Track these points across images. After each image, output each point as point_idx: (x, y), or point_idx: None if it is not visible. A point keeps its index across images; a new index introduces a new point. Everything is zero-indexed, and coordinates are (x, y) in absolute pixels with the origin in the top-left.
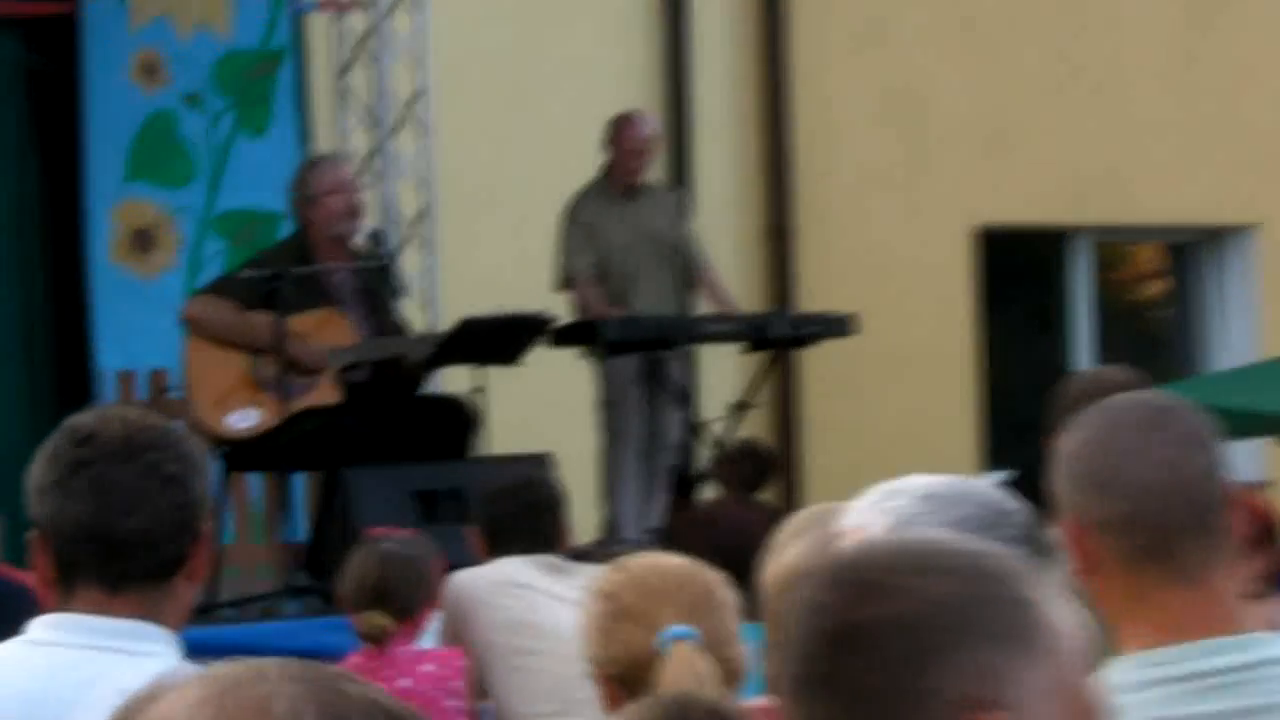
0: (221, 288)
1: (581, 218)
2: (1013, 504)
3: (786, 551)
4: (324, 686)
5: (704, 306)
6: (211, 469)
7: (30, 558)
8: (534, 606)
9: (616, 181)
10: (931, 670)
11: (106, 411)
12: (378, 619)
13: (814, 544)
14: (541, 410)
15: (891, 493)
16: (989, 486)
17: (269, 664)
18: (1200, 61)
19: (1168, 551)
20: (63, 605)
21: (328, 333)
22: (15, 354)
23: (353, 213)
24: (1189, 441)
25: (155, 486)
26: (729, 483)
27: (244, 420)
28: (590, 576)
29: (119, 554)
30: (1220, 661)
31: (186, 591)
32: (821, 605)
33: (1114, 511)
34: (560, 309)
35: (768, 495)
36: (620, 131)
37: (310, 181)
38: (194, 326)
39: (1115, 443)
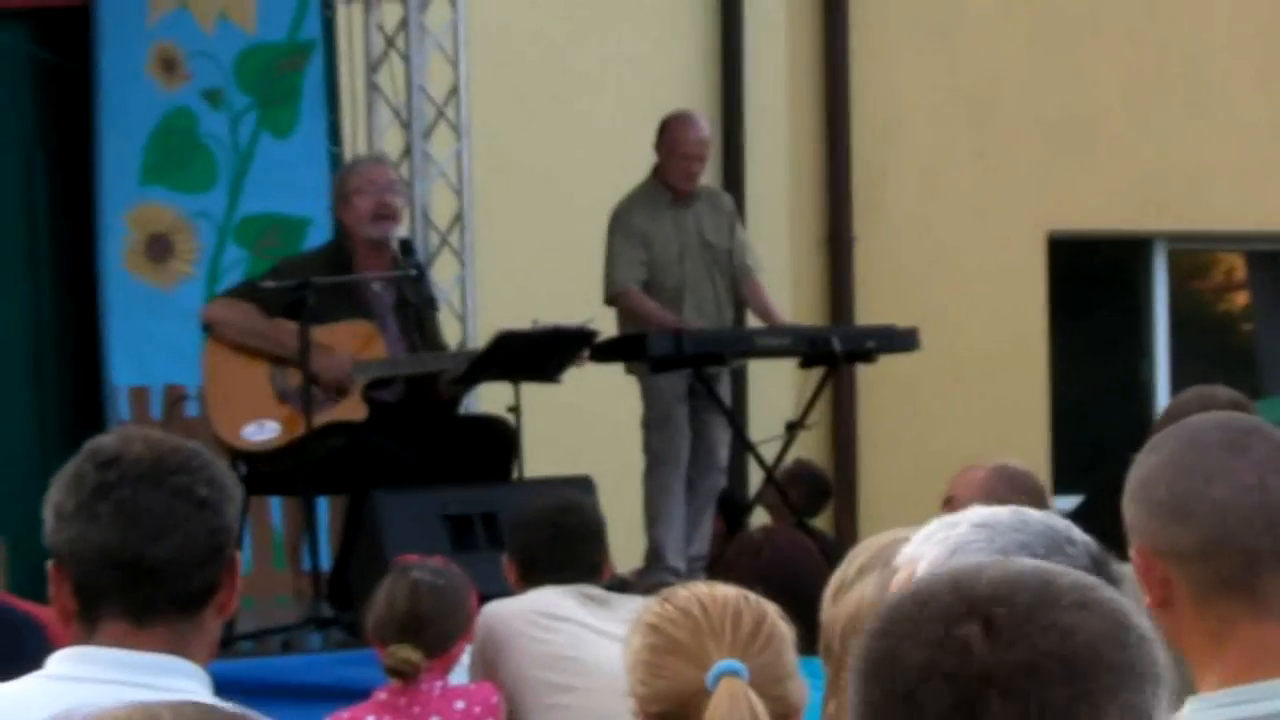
0: (246, 292)
1: (633, 225)
2: (1076, 533)
3: (854, 587)
4: None
5: (751, 319)
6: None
7: (49, 590)
8: (572, 640)
9: (668, 186)
10: (1104, 711)
11: (129, 432)
12: (407, 653)
13: (886, 579)
14: (581, 431)
15: (949, 523)
16: (1051, 515)
17: (162, 708)
18: None
19: (1250, 582)
20: (84, 639)
21: (360, 346)
22: (23, 367)
23: (383, 215)
24: (1273, 465)
25: (186, 510)
26: (781, 508)
27: (261, 432)
28: (631, 608)
29: (147, 582)
30: None
31: (214, 625)
32: (962, 644)
33: (1192, 539)
34: (604, 321)
35: (822, 520)
36: (673, 133)
37: (345, 180)
38: (215, 330)
39: (1194, 465)
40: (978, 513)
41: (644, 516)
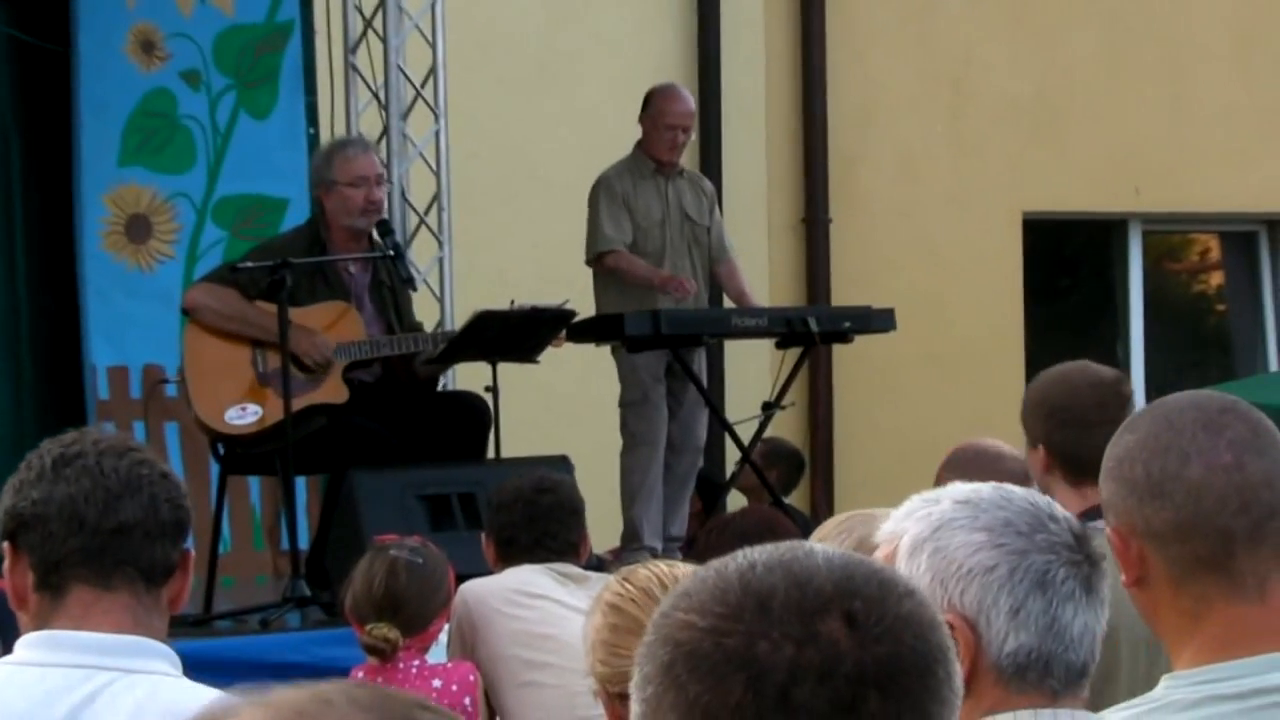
0: (225, 276)
1: (615, 190)
2: (1058, 509)
3: None
4: (394, 715)
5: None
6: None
7: (2, 571)
8: (548, 618)
9: (651, 157)
10: (945, 696)
11: (88, 430)
12: (384, 631)
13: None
14: (559, 410)
15: (931, 499)
16: (1033, 493)
17: (334, 690)
18: (1262, 42)
19: (1225, 562)
20: (48, 614)
21: (337, 327)
22: (6, 346)
23: (372, 210)
24: (1249, 444)
25: (150, 475)
26: (760, 489)
27: (243, 416)
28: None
29: (113, 544)
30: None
31: (166, 615)
32: (829, 640)
33: (1167, 518)
34: (581, 301)
35: (799, 498)
36: (659, 105)
37: (335, 165)
38: (195, 315)
39: (1170, 445)
40: (960, 489)
41: (621, 496)
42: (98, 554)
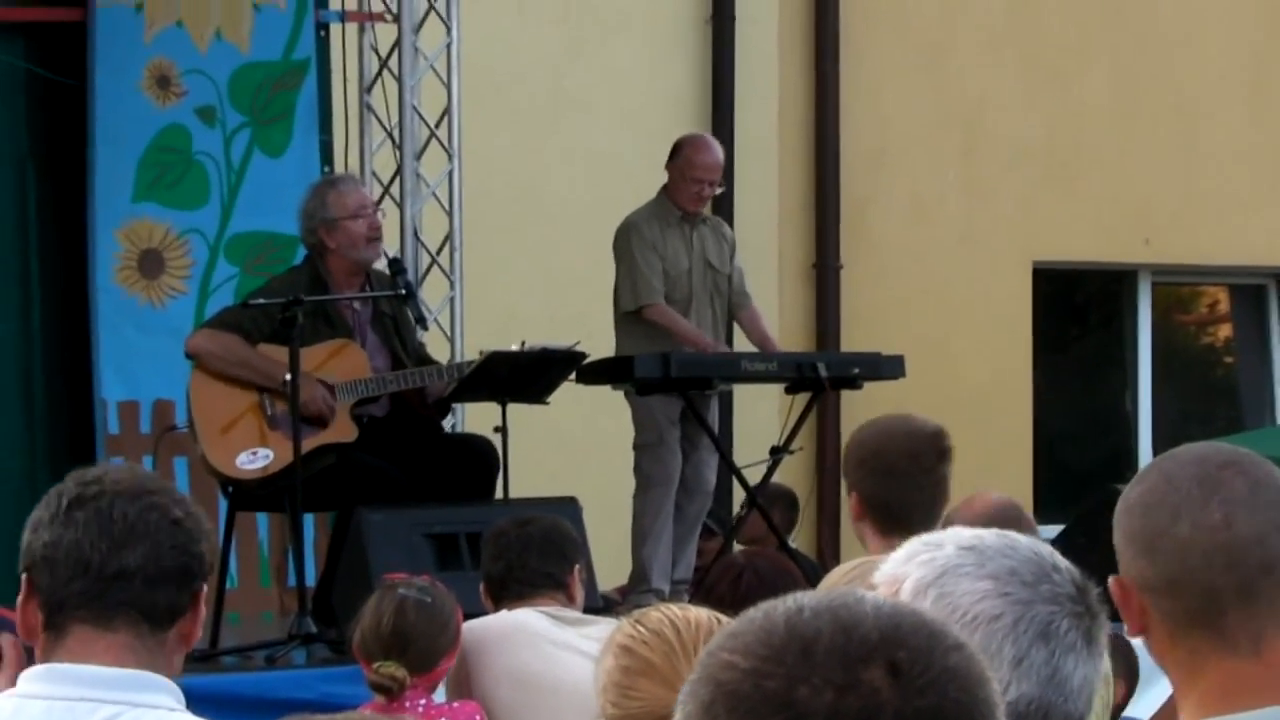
0: (228, 320)
1: (646, 237)
2: (1060, 559)
3: None
4: None
5: (743, 345)
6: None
7: (18, 604)
8: (542, 658)
9: (676, 206)
10: None
11: (115, 463)
12: (392, 670)
13: None
14: (568, 452)
15: (933, 543)
16: (1036, 541)
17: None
18: (1272, 93)
19: (1214, 619)
20: (51, 650)
21: (342, 365)
22: (12, 382)
23: (375, 238)
24: (1243, 501)
25: (159, 522)
26: (766, 537)
27: (254, 461)
28: (602, 628)
29: (113, 587)
30: None
31: (177, 653)
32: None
33: (1158, 574)
34: (592, 343)
35: (803, 544)
36: (688, 156)
37: (331, 203)
38: (199, 361)
39: (1164, 500)
40: (963, 535)
41: (631, 537)
42: (98, 597)
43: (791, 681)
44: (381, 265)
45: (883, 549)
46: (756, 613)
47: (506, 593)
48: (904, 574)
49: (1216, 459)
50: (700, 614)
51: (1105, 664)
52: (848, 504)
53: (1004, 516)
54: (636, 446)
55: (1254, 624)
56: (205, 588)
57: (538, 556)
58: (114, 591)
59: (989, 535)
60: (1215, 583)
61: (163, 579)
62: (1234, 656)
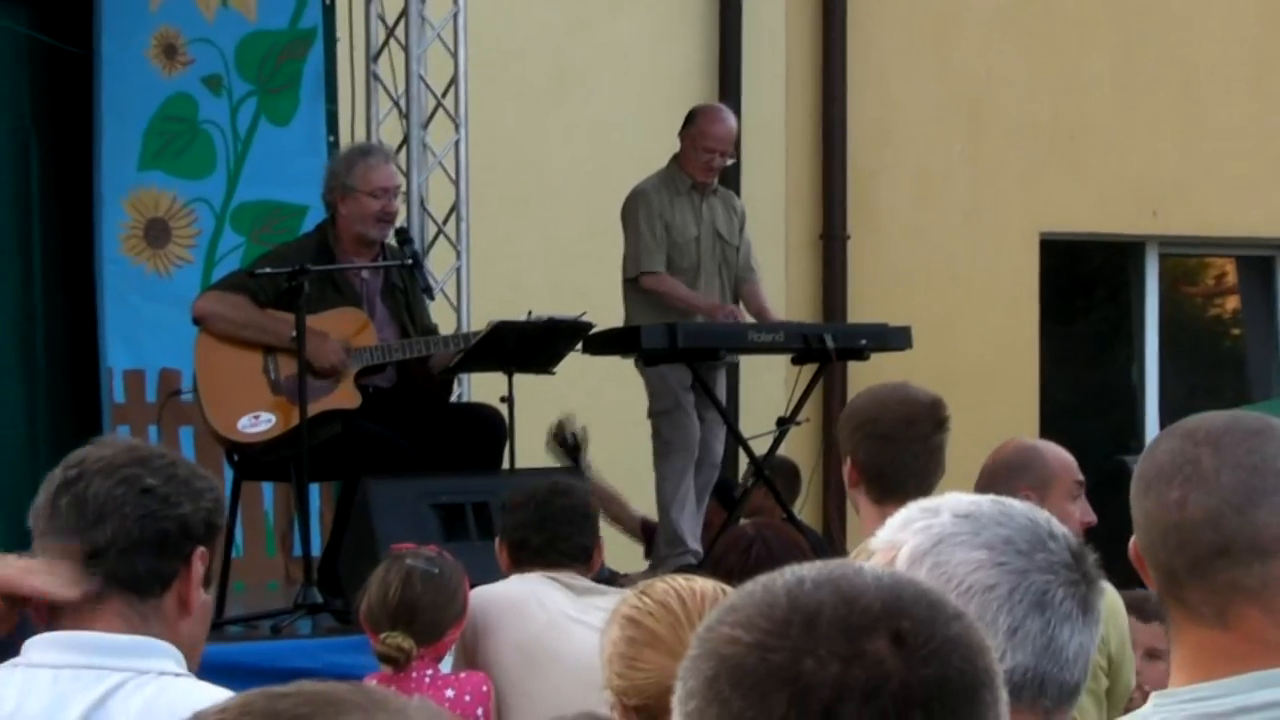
0: (237, 283)
1: (653, 205)
2: (1056, 526)
3: None
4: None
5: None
6: (220, 492)
7: None
8: (552, 629)
9: (687, 175)
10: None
11: (106, 440)
12: (398, 640)
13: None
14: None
15: (930, 510)
16: (1033, 508)
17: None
18: (1275, 63)
19: (1177, 592)
20: (50, 623)
21: (349, 333)
22: (12, 352)
23: (387, 220)
24: (1207, 481)
25: (125, 495)
26: (771, 508)
27: (256, 425)
28: (614, 600)
29: (91, 564)
30: (1242, 700)
31: (181, 618)
32: (876, 659)
33: (1139, 541)
34: (599, 313)
35: (809, 517)
36: (700, 126)
37: (356, 172)
38: (206, 324)
39: (1145, 473)
40: (959, 501)
41: (656, 502)
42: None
43: (797, 654)
44: (390, 237)
45: (875, 516)
46: (755, 586)
47: (538, 559)
48: (900, 541)
49: (1198, 434)
50: (706, 585)
51: (1101, 628)
52: (844, 472)
53: (1010, 464)
54: (654, 413)
55: (1216, 599)
56: (202, 549)
57: (578, 529)
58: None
59: (985, 502)
60: (1169, 560)
61: (135, 549)
62: (1202, 627)
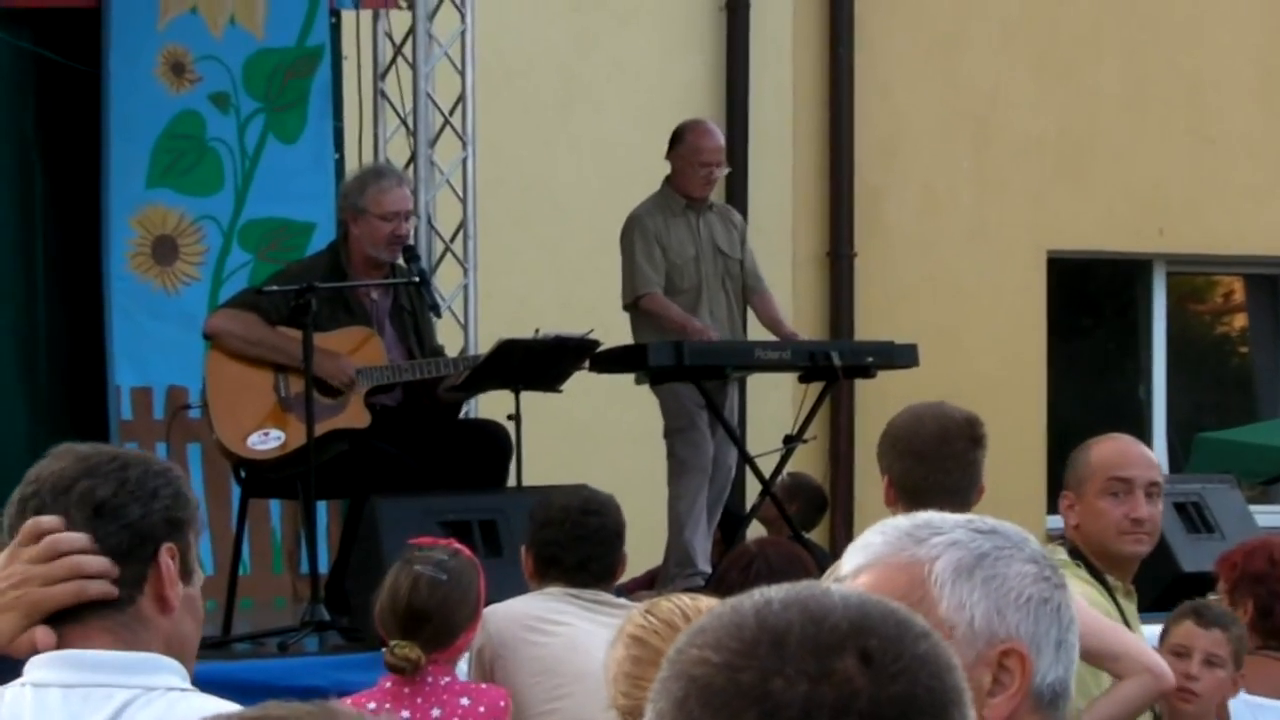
0: (247, 301)
1: (649, 228)
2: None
3: None
4: None
5: (756, 329)
6: (180, 484)
7: None
8: (569, 646)
9: (682, 194)
10: None
11: (64, 449)
12: (406, 651)
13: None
14: (578, 439)
15: (935, 527)
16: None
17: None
18: None
19: None
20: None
21: (359, 352)
22: (19, 367)
23: (397, 244)
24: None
25: (79, 516)
26: (779, 521)
27: (265, 442)
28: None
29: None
30: None
31: (163, 620)
32: (844, 678)
33: None
34: (605, 331)
35: (819, 534)
36: (691, 141)
37: (368, 195)
38: (217, 341)
39: None
40: (956, 518)
41: (669, 522)
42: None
43: (766, 674)
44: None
45: None
46: (724, 608)
47: (565, 577)
48: (922, 556)
49: None
50: (712, 604)
51: None
52: (880, 490)
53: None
54: (669, 433)
55: None
56: (169, 545)
57: (609, 548)
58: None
59: (987, 519)
60: None
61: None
62: None
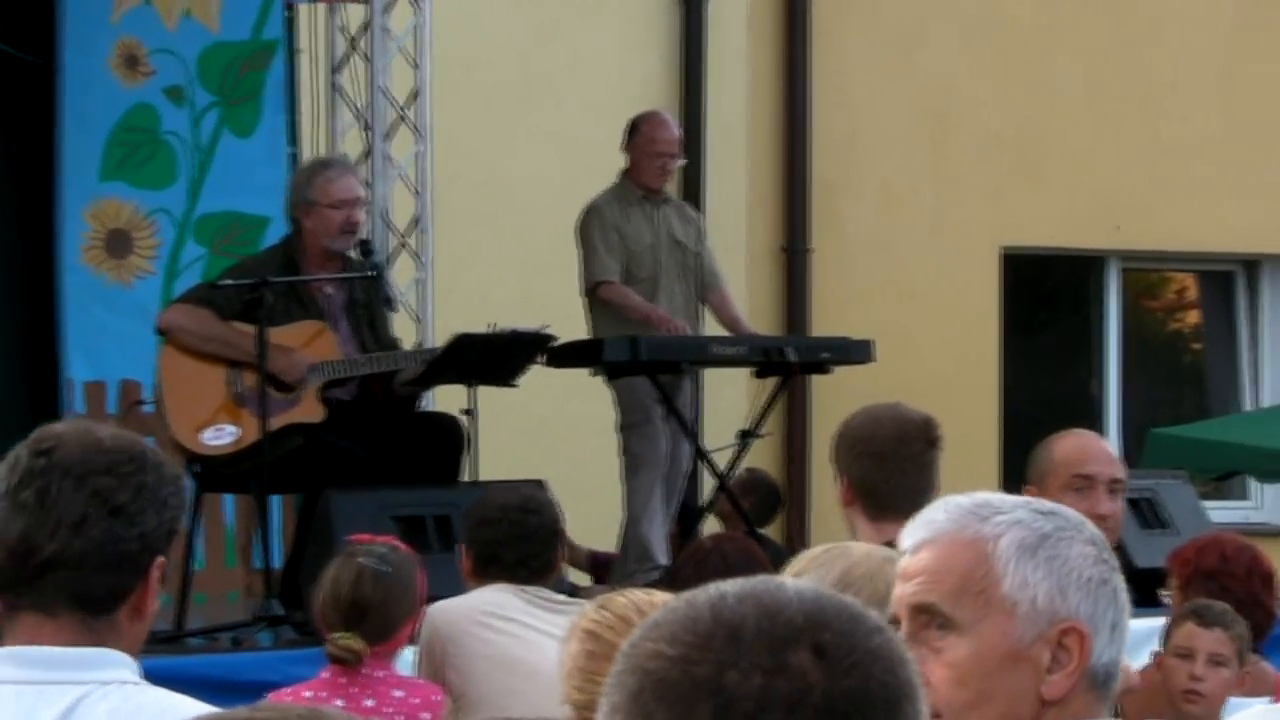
0: (201, 296)
1: (606, 218)
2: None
3: None
4: None
5: (713, 327)
6: (184, 493)
7: None
8: (519, 642)
9: (639, 185)
10: None
11: (80, 424)
12: (349, 642)
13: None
14: (535, 434)
15: (991, 505)
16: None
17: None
18: (1242, 81)
19: None
20: (8, 632)
21: (313, 346)
22: None
23: (351, 231)
24: None
25: (97, 515)
26: (734, 516)
27: (219, 437)
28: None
29: (44, 576)
30: None
31: (134, 628)
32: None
33: None
34: (561, 326)
35: (774, 530)
36: (647, 133)
37: (316, 185)
38: (171, 336)
39: None
40: (1015, 499)
41: (626, 517)
42: (34, 584)
43: (720, 667)
44: (353, 250)
45: (872, 534)
46: (679, 602)
47: (506, 574)
48: (988, 533)
49: None
50: (666, 598)
51: None
52: (836, 490)
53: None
54: (624, 427)
55: None
56: (161, 559)
57: (548, 546)
58: (48, 580)
59: (1044, 501)
60: None
61: (99, 570)
62: None
